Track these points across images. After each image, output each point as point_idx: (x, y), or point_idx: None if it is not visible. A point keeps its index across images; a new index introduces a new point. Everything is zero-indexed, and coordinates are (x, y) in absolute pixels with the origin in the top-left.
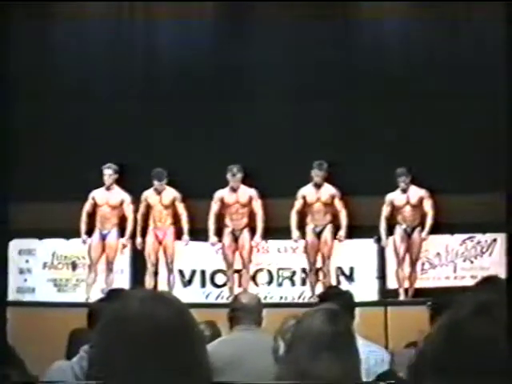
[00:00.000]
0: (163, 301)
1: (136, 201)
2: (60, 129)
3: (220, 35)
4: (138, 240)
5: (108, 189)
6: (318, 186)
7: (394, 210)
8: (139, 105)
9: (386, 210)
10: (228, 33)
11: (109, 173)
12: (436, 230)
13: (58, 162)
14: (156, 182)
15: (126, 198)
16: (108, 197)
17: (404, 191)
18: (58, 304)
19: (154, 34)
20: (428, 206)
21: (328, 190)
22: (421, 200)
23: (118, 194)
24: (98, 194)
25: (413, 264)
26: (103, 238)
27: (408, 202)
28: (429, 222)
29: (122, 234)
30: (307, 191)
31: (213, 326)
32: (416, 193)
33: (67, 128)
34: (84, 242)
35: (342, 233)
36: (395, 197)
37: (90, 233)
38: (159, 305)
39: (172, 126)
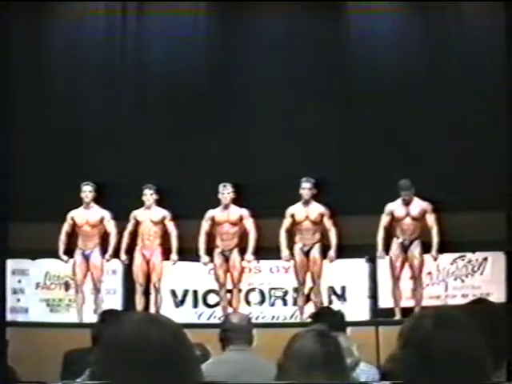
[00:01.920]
0: (158, 323)
1: (117, 217)
2: (52, 144)
3: (211, 46)
4: (123, 257)
5: (86, 207)
6: (306, 204)
7: (393, 220)
8: (127, 117)
9: (384, 220)
10: (219, 43)
11: (89, 190)
12: (428, 248)
13: (51, 181)
14: (147, 192)
15: (106, 214)
16: (87, 216)
17: (406, 203)
18: (51, 324)
19: (145, 40)
20: (431, 220)
21: (317, 208)
22: (423, 213)
23: (97, 212)
24: (76, 214)
25: (414, 279)
26: (86, 257)
27: (408, 214)
28: (435, 238)
29: (105, 252)
30: (296, 209)
31: (203, 348)
32: (418, 205)
33: (58, 143)
34: (65, 262)
35: (331, 252)
36: (396, 207)
37: (72, 253)
38: (154, 327)
39: (160, 141)
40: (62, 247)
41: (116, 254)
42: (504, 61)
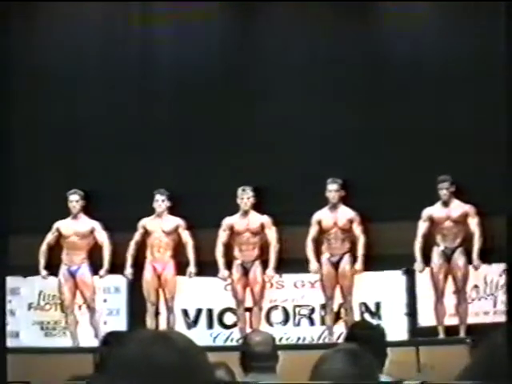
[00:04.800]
0: (166, 342)
1: (117, 227)
2: (46, 149)
3: (227, 47)
4: (128, 271)
5: (74, 217)
6: (333, 208)
7: (433, 226)
8: (134, 118)
9: (422, 227)
10: (235, 44)
11: (75, 199)
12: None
13: (42, 190)
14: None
15: (96, 225)
16: (75, 226)
17: (445, 204)
18: (46, 350)
19: (151, 42)
20: (474, 224)
21: (346, 213)
22: (465, 216)
23: (87, 223)
24: (62, 224)
25: (458, 293)
26: (72, 274)
27: (449, 217)
28: (477, 245)
29: (94, 268)
30: (323, 215)
31: (226, 368)
32: (459, 207)
33: (53, 147)
34: (44, 278)
35: (358, 264)
36: (434, 210)
37: (56, 270)
38: (161, 347)
39: (172, 143)
40: (42, 261)
41: (112, 269)
42: None
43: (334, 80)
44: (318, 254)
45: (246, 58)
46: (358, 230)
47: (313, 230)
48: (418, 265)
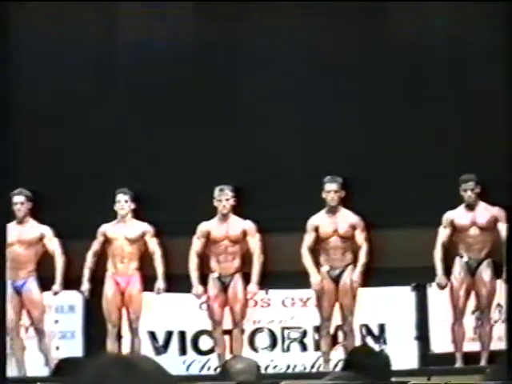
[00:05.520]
0: (130, 369)
1: (61, 234)
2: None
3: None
4: (85, 286)
5: (20, 222)
6: (332, 212)
7: (455, 233)
8: (95, 107)
9: (443, 234)
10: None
11: (20, 200)
12: (500, 271)
13: None
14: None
15: (46, 231)
16: (20, 233)
17: (470, 208)
18: None
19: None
20: (504, 231)
21: (347, 217)
22: (493, 222)
23: (35, 228)
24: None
25: (481, 313)
26: (17, 290)
27: (474, 223)
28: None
29: (43, 283)
30: (320, 220)
31: None
32: (486, 211)
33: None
34: None
35: (355, 275)
36: (457, 215)
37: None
38: (123, 375)
39: (137, 137)
40: None
41: (66, 284)
42: None
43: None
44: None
45: (227, 55)
46: (361, 237)
47: (308, 238)
48: (440, 278)
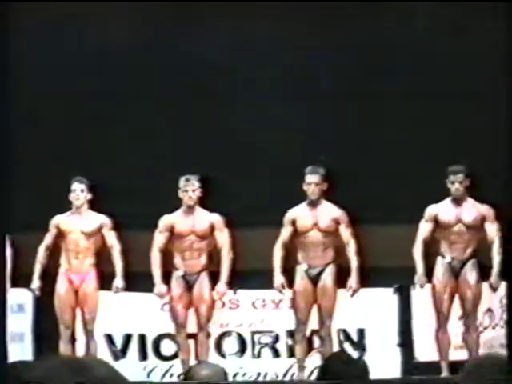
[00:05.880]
0: (82, 372)
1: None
2: None
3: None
4: (36, 283)
5: None
6: (313, 205)
7: (438, 229)
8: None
9: (425, 229)
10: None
11: None
12: (487, 273)
13: None
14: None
15: None
16: None
17: (456, 202)
18: None
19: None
20: (493, 230)
21: (330, 211)
22: (481, 220)
23: None
24: None
25: (467, 318)
26: None
27: (460, 220)
28: (497, 258)
29: None
30: (298, 213)
31: None
32: (474, 208)
33: None
34: None
35: (352, 280)
36: (441, 209)
37: None
38: (75, 377)
39: (93, 119)
40: None
41: (14, 281)
42: None
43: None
44: (291, 264)
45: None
46: (346, 233)
47: (285, 232)
48: (419, 278)
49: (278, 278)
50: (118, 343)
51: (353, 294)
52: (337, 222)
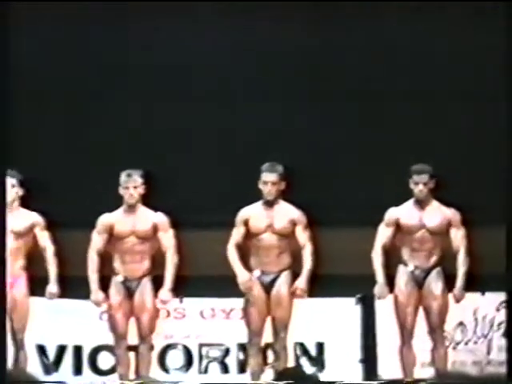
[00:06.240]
0: None
1: None
2: None
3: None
4: None
5: None
6: (269, 205)
7: (399, 235)
8: None
9: (385, 234)
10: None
11: None
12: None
13: None
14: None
15: None
16: None
17: (419, 205)
18: None
19: None
20: (458, 236)
21: (286, 211)
22: (446, 225)
23: None
24: None
25: (433, 333)
26: None
27: (423, 225)
28: (462, 265)
29: None
30: (252, 213)
31: None
32: (438, 212)
33: None
34: None
35: (301, 283)
36: (403, 212)
37: None
38: None
39: (23, 108)
40: None
41: None
42: None
43: None
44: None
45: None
46: (303, 236)
47: (236, 233)
48: (380, 288)
49: (243, 275)
50: (51, 355)
51: (300, 297)
52: (294, 224)
